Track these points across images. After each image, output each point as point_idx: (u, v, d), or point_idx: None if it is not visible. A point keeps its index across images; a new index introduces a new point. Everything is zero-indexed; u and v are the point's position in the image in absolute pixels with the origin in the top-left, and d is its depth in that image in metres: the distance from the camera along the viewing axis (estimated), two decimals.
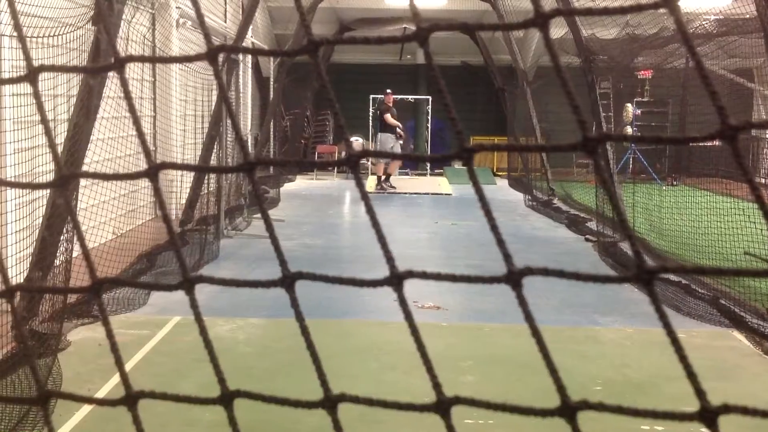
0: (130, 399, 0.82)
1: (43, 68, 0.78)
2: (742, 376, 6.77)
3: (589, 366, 6.89)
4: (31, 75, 0.76)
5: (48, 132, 0.83)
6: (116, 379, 6.36)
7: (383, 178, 19.82)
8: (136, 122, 0.78)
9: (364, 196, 0.79)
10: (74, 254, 7.86)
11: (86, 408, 5.65)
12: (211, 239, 11.50)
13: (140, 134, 0.77)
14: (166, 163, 0.76)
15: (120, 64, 0.73)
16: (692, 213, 11.00)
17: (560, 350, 7.19)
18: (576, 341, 7.60)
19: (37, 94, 0.82)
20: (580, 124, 0.68)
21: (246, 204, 14.27)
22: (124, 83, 0.76)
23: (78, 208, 7.78)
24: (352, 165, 0.80)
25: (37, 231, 7.47)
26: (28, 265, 7.13)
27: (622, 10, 0.69)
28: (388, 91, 20.27)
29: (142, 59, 0.79)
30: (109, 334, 0.81)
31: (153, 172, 0.73)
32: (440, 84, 0.73)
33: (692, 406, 0.78)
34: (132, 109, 0.77)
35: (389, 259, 0.78)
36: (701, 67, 0.65)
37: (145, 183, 13.20)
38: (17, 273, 7.32)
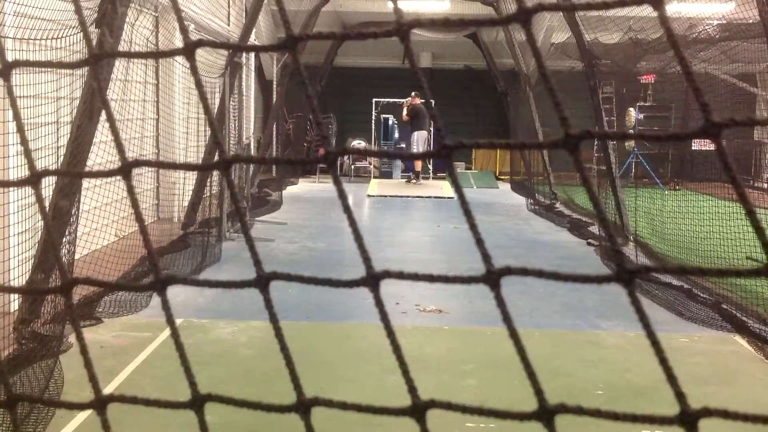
0: (99, 402, 0.81)
1: (18, 63, 0.77)
2: (744, 380, 6.75)
3: (591, 370, 6.86)
4: (5, 71, 0.76)
5: (21, 130, 0.82)
6: (118, 381, 6.36)
7: (416, 174, 21.91)
8: (110, 118, 0.77)
9: (341, 194, 0.78)
10: (76, 256, 7.86)
11: (87, 411, 5.64)
12: (213, 242, 11.50)
13: (113, 129, 0.76)
14: (140, 161, 0.75)
15: (94, 60, 0.72)
16: (694, 217, 10.97)
17: (561, 354, 7.18)
18: (577, 345, 7.58)
19: (10, 90, 0.81)
20: (562, 121, 0.67)
21: (248, 206, 14.27)
22: (97, 79, 0.75)
23: (80, 210, 7.78)
24: (329, 164, 0.79)
25: (40, 233, 7.48)
26: (31, 267, 7.13)
27: (605, 5, 0.68)
28: (413, 93, 21.40)
29: (118, 55, 0.78)
30: (79, 336, 0.80)
31: (126, 170, 0.72)
32: (422, 80, 0.72)
33: (672, 425, 0.76)
34: (106, 105, 0.76)
35: (366, 260, 0.77)
36: (685, 64, 0.63)
37: (147, 185, 13.21)
38: (20, 275, 7.32)
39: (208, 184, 12.78)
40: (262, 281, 0.81)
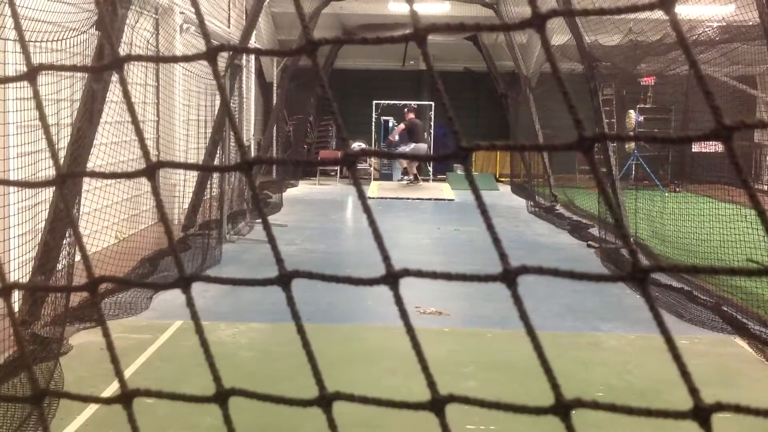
0: (125, 397, 0.82)
1: (43, 67, 0.78)
2: (745, 382, 6.76)
3: (591, 372, 6.88)
4: (31, 74, 0.77)
5: (47, 131, 0.83)
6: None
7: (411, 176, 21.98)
8: (135, 123, 0.78)
9: (361, 195, 0.80)
10: (77, 258, 7.86)
11: (87, 412, 5.65)
12: (214, 244, 11.51)
13: (138, 133, 0.78)
14: (164, 162, 0.76)
15: (119, 64, 0.73)
16: (695, 220, 10.98)
17: (562, 356, 7.19)
18: (578, 347, 7.59)
19: (36, 93, 0.83)
20: (576, 124, 0.69)
21: (248, 208, 14.28)
22: (123, 83, 0.76)
23: (81, 213, 7.78)
24: (348, 164, 0.80)
25: (40, 235, 7.48)
26: (31, 269, 7.14)
27: (618, 11, 0.69)
28: (414, 106, 21.91)
29: (140, 58, 0.79)
30: (105, 333, 0.82)
31: (151, 170, 0.74)
32: (438, 84, 0.74)
33: (686, 419, 0.78)
34: (131, 109, 0.78)
35: (385, 258, 0.78)
36: (696, 67, 0.65)
37: (147, 187, 13.21)
38: (20, 277, 7.32)
39: (209, 186, 12.78)
40: (284, 279, 0.82)
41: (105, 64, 0.75)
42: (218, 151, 12.63)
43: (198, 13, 0.79)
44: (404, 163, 22.03)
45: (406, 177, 22.74)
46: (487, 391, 6.34)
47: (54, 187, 6.73)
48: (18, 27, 0.87)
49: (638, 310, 8.74)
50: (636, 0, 0.65)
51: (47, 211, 7.40)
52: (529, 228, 15.27)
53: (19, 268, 7.37)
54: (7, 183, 0.95)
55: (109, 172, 0.83)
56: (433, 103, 23.46)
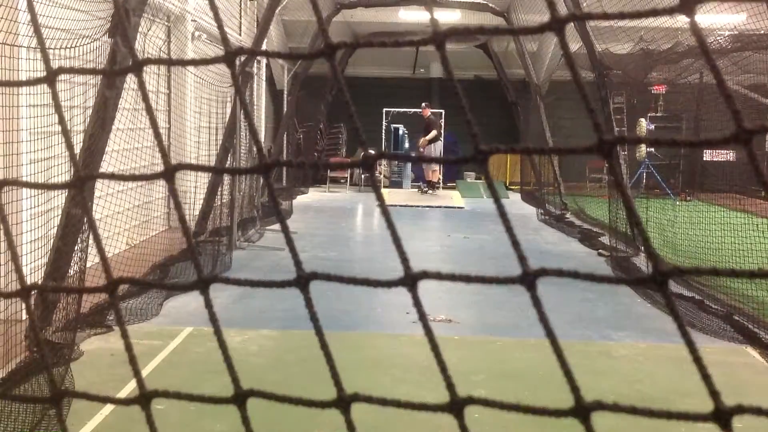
0: (144, 398, 0.83)
1: (62, 70, 0.79)
2: (756, 392, 6.72)
3: (602, 381, 6.84)
4: (51, 76, 0.77)
5: (66, 134, 0.84)
6: (129, 388, 6.37)
7: (428, 184, 21.56)
8: (153, 124, 0.79)
9: (379, 198, 0.80)
10: (88, 264, 7.90)
11: (97, 419, 5.66)
12: (224, 251, 11.53)
13: (157, 135, 0.78)
14: (183, 164, 0.77)
15: (138, 67, 0.74)
16: (706, 228, 10.94)
17: (572, 365, 7.11)
18: (588, 356, 7.56)
19: (55, 95, 0.83)
20: (596, 127, 0.69)
21: (259, 216, 14.31)
22: (142, 86, 0.77)
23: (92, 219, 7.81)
24: (367, 167, 0.80)
25: (52, 241, 7.51)
26: (43, 275, 7.17)
27: (638, 15, 0.69)
28: (424, 104, 21.22)
29: (160, 62, 0.80)
30: (124, 334, 0.82)
31: (170, 173, 0.74)
32: (456, 87, 0.74)
33: (706, 421, 0.78)
34: (150, 111, 0.78)
35: (404, 260, 0.78)
36: (717, 71, 0.65)
37: (158, 194, 13.27)
38: (31, 282, 7.34)
39: (219, 193, 12.82)
40: (302, 281, 0.83)
41: (125, 67, 0.75)
42: (229, 159, 12.67)
43: (216, 17, 0.79)
44: (429, 173, 21.74)
45: (426, 187, 22.32)
46: (498, 400, 6.32)
47: (66, 194, 6.74)
48: (37, 31, 0.88)
49: (649, 319, 8.70)
50: (656, 4, 0.65)
51: (59, 217, 7.43)
52: (539, 236, 15.24)
53: (31, 273, 7.41)
54: (28, 185, 0.96)
55: (128, 175, 0.84)
56: (443, 111, 23.45)
